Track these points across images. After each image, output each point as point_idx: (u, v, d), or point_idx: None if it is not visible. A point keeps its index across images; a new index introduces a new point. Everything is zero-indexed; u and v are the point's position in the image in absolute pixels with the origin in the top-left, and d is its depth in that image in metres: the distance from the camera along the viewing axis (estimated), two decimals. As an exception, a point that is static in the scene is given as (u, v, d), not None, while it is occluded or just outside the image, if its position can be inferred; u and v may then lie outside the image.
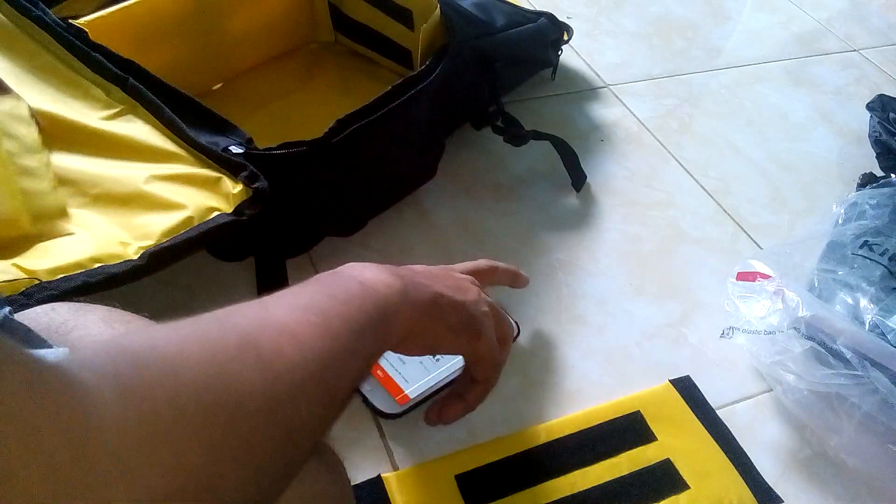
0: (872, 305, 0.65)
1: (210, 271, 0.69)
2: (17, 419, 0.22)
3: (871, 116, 0.96)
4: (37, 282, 0.51)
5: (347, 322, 0.39)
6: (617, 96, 1.01)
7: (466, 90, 0.81)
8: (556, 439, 0.61)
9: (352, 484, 0.57)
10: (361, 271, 0.45)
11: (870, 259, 0.69)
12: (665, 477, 0.59)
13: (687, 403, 0.65)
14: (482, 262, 0.62)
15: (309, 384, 0.34)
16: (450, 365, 0.64)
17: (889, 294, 0.66)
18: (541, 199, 0.83)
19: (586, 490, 0.58)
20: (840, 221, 0.74)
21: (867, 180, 0.86)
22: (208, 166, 0.61)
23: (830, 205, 0.77)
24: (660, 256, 0.79)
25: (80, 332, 0.46)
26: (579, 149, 0.86)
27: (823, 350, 0.62)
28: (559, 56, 0.98)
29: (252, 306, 0.39)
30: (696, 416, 0.64)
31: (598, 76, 1.04)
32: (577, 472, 0.59)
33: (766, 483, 0.61)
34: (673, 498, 0.58)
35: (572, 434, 0.62)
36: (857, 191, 0.82)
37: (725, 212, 0.86)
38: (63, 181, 0.59)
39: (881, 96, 0.99)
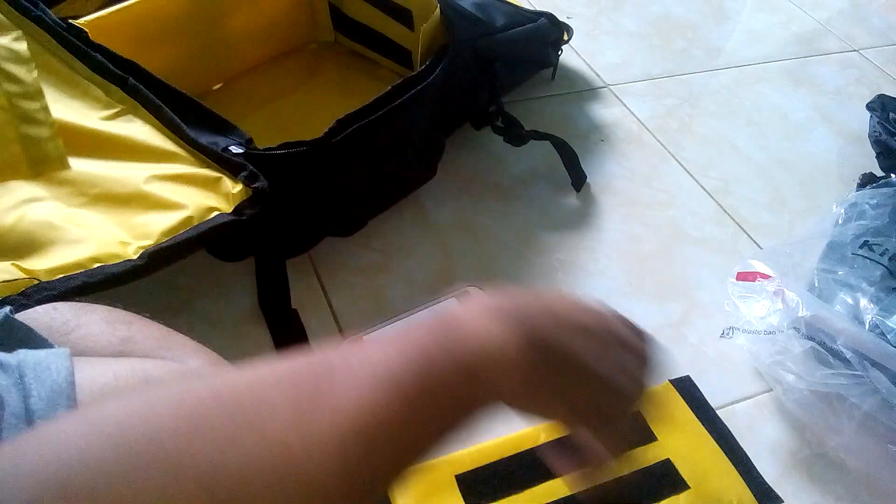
0: (872, 305, 0.65)
1: (210, 271, 0.70)
2: None
3: (870, 116, 0.96)
4: (36, 282, 0.51)
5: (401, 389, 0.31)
6: (617, 96, 1.01)
7: (466, 90, 0.81)
8: (556, 440, 0.61)
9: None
10: (465, 319, 0.35)
11: (870, 259, 0.69)
12: (665, 477, 0.59)
13: (687, 403, 0.65)
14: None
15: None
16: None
17: (889, 294, 0.66)
18: (541, 199, 0.83)
19: (586, 490, 0.58)
20: (840, 221, 0.74)
21: (867, 180, 0.86)
22: (208, 166, 0.61)
23: (830, 205, 0.77)
24: (660, 256, 0.79)
25: (81, 331, 0.46)
26: (579, 149, 0.86)
27: (823, 350, 0.61)
28: (559, 56, 0.98)
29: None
30: (697, 416, 0.64)
31: (598, 76, 1.04)
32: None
33: (766, 483, 0.61)
34: (673, 498, 0.58)
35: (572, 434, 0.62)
36: (857, 191, 0.82)
37: (725, 212, 0.86)
38: (63, 181, 0.59)
39: (881, 96, 0.99)
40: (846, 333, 0.61)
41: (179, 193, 0.59)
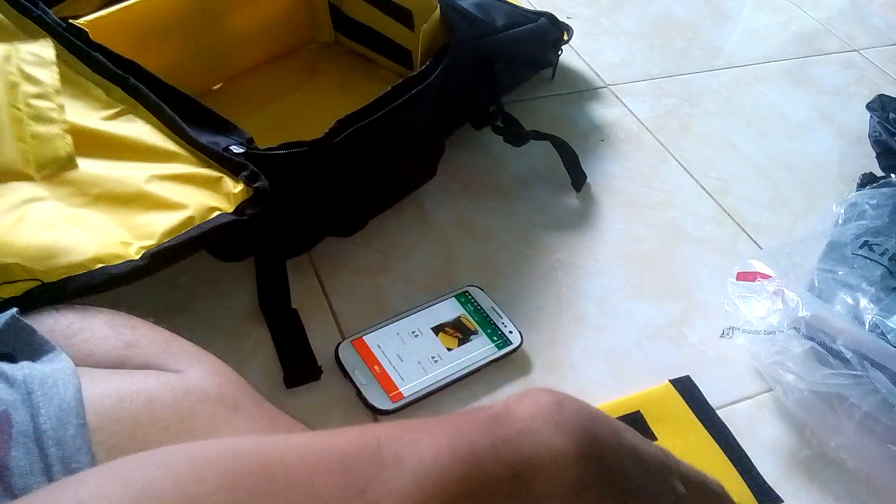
0: (872, 305, 0.65)
1: (210, 271, 0.70)
2: None
3: (870, 116, 0.96)
4: (38, 283, 0.51)
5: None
6: (617, 96, 1.01)
7: (466, 90, 0.81)
8: None
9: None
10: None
11: (870, 259, 0.69)
12: None
13: (687, 404, 0.65)
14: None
15: None
16: (448, 367, 0.64)
17: (889, 294, 0.66)
18: (541, 199, 0.83)
19: None
20: (840, 221, 0.74)
21: (867, 180, 0.86)
22: (209, 166, 0.61)
23: (830, 205, 0.77)
24: (660, 256, 0.79)
25: (85, 335, 0.46)
26: (579, 149, 0.86)
27: (823, 350, 0.62)
28: (559, 56, 0.98)
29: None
30: (697, 416, 0.64)
31: (598, 76, 1.04)
32: None
33: (766, 483, 0.61)
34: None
35: None
36: (857, 191, 0.82)
37: (725, 212, 0.86)
38: (63, 181, 0.59)
39: (881, 96, 0.99)
40: (846, 333, 0.61)
41: (181, 193, 0.59)
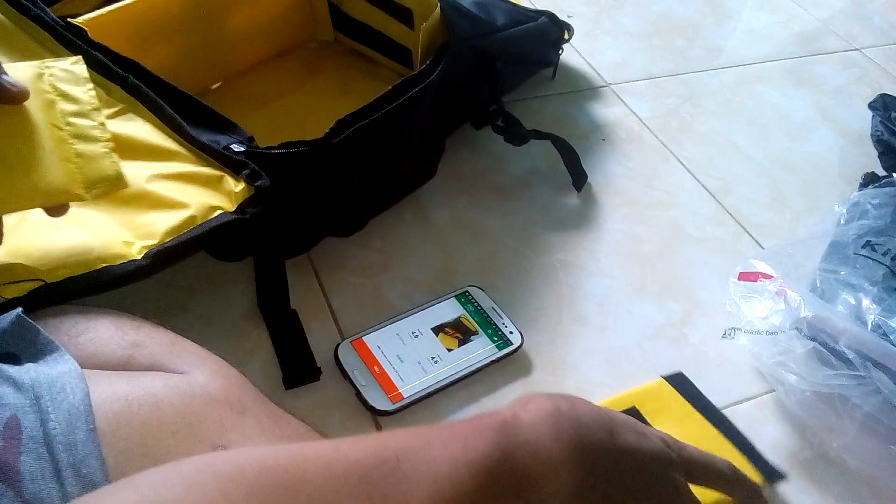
0: (875, 306, 0.65)
1: (209, 271, 0.69)
2: None
3: (872, 116, 0.96)
4: (42, 283, 0.51)
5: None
6: (618, 95, 1.01)
7: (467, 89, 0.81)
8: None
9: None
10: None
11: (872, 259, 0.69)
12: None
13: (682, 395, 0.64)
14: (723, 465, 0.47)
15: None
16: (448, 368, 0.64)
17: (891, 294, 0.66)
18: (541, 199, 0.83)
19: None
20: (842, 221, 0.74)
21: (869, 180, 0.86)
22: (210, 164, 0.61)
23: (832, 204, 0.77)
24: (661, 256, 0.79)
25: (90, 334, 0.46)
26: (580, 148, 0.86)
27: (825, 350, 0.61)
28: (560, 55, 0.98)
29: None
30: (693, 406, 0.64)
31: (599, 75, 1.04)
32: None
33: (770, 462, 0.60)
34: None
35: None
36: (860, 190, 0.82)
37: (727, 211, 0.86)
38: None
39: (883, 95, 0.98)
40: (848, 334, 0.61)
41: (182, 192, 0.59)
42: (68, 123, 0.49)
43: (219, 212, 0.58)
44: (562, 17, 0.96)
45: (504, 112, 0.85)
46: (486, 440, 0.34)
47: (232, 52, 0.85)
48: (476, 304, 0.69)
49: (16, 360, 0.41)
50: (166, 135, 0.62)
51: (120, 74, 0.64)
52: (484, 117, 0.85)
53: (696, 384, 0.66)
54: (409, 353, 0.64)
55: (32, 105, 0.48)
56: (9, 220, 0.55)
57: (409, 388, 0.62)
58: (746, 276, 0.70)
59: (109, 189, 0.50)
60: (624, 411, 0.61)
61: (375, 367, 0.63)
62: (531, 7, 0.99)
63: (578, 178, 0.85)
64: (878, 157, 0.93)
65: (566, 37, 0.97)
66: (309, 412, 0.61)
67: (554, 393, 0.40)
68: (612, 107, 0.99)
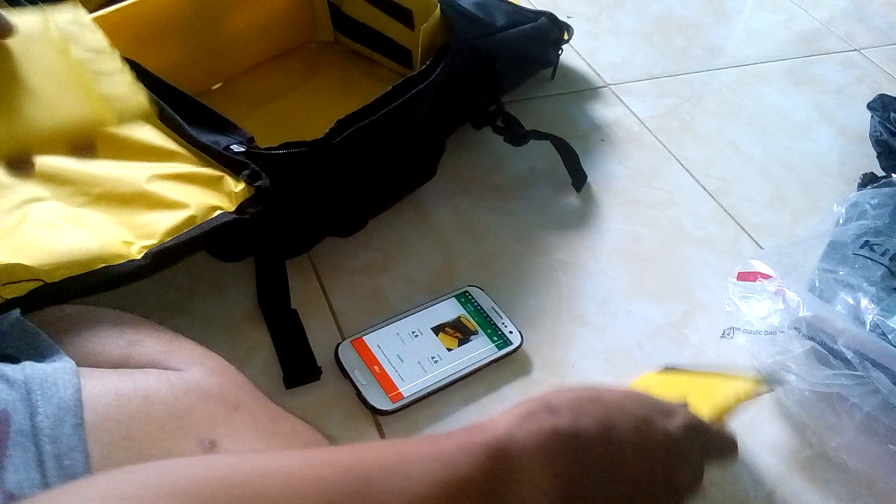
0: (873, 305, 0.65)
1: (210, 271, 0.69)
2: None
3: (872, 116, 0.96)
4: (41, 283, 0.51)
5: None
6: (617, 96, 1.01)
7: (466, 90, 0.81)
8: None
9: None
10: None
11: (871, 259, 0.69)
12: None
13: (666, 373, 0.64)
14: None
15: None
16: (448, 367, 0.64)
17: (890, 294, 0.66)
18: (541, 199, 0.83)
19: None
20: (841, 221, 0.74)
21: (868, 180, 0.86)
22: (210, 165, 0.61)
23: (831, 205, 0.77)
24: (660, 256, 0.79)
25: (88, 334, 0.46)
26: (580, 148, 0.86)
27: (824, 350, 0.61)
28: (559, 55, 0.98)
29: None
30: (677, 372, 0.63)
31: (599, 75, 1.04)
32: None
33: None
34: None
35: None
36: (858, 190, 0.82)
37: (726, 211, 0.86)
38: (65, 181, 0.59)
39: (882, 96, 0.98)
40: (847, 334, 0.61)
41: (182, 192, 0.59)
42: (87, 69, 0.49)
43: (219, 212, 0.58)
44: (562, 17, 0.96)
45: (504, 112, 0.85)
46: (470, 462, 0.33)
47: (232, 53, 0.85)
48: (476, 303, 0.69)
49: (15, 361, 0.41)
50: (166, 135, 0.62)
51: (120, 75, 0.64)
52: (484, 117, 0.85)
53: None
54: (409, 352, 0.64)
55: (46, 50, 0.48)
56: (8, 220, 0.56)
57: (409, 387, 0.62)
58: (745, 276, 0.70)
59: (138, 118, 0.50)
60: None
61: (375, 367, 0.63)
62: (531, 7, 0.99)
63: (578, 179, 0.85)
64: (877, 157, 0.93)
65: (566, 37, 0.97)
66: (309, 412, 0.61)
67: (562, 391, 0.38)
68: (612, 107, 0.99)
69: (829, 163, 0.96)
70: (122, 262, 0.54)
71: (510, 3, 0.93)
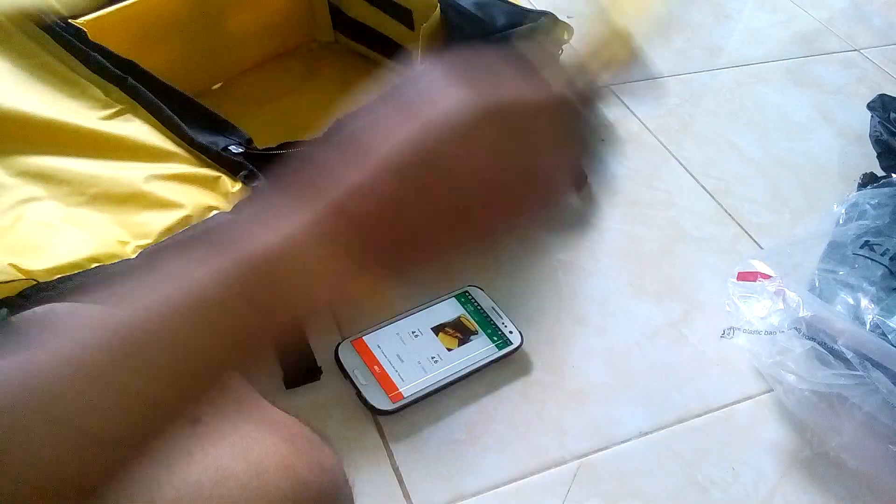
0: (873, 305, 0.65)
1: (210, 271, 0.69)
2: None
3: (871, 116, 0.96)
4: (34, 282, 0.51)
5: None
6: (617, 96, 1.01)
7: (466, 90, 0.81)
8: None
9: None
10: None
11: (871, 259, 0.69)
12: None
13: None
14: None
15: None
16: (448, 367, 0.64)
17: (890, 294, 0.66)
18: (541, 199, 0.83)
19: None
20: (841, 221, 0.74)
21: (868, 180, 0.86)
22: (207, 165, 0.61)
23: (831, 205, 0.77)
24: (660, 256, 0.79)
25: (76, 335, 0.45)
26: (579, 148, 0.86)
27: (824, 350, 0.61)
28: (559, 55, 0.98)
29: None
30: None
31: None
32: None
33: None
34: None
35: None
36: (858, 191, 0.82)
37: (726, 211, 0.86)
38: (61, 181, 0.59)
39: (882, 96, 0.98)
40: (847, 334, 0.61)
41: (178, 192, 0.59)
42: None
43: (215, 212, 0.58)
44: (562, 17, 0.96)
45: (504, 112, 0.85)
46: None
47: (232, 53, 0.85)
48: (476, 303, 0.69)
49: None
50: (164, 136, 0.62)
51: (118, 76, 0.64)
52: (483, 117, 0.85)
53: (692, 382, 0.67)
54: (409, 352, 0.64)
55: None
56: (4, 219, 0.56)
57: (410, 387, 0.62)
58: (745, 276, 0.70)
59: None
60: None
61: (376, 367, 0.63)
62: (531, 7, 0.99)
63: (578, 179, 0.85)
64: (877, 157, 0.93)
65: (566, 37, 0.97)
66: (309, 411, 0.61)
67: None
68: (612, 107, 0.99)
69: (829, 163, 0.96)
70: (116, 261, 0.54)
71: (510, 3, 0.93)
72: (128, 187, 0.59)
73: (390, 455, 0.59)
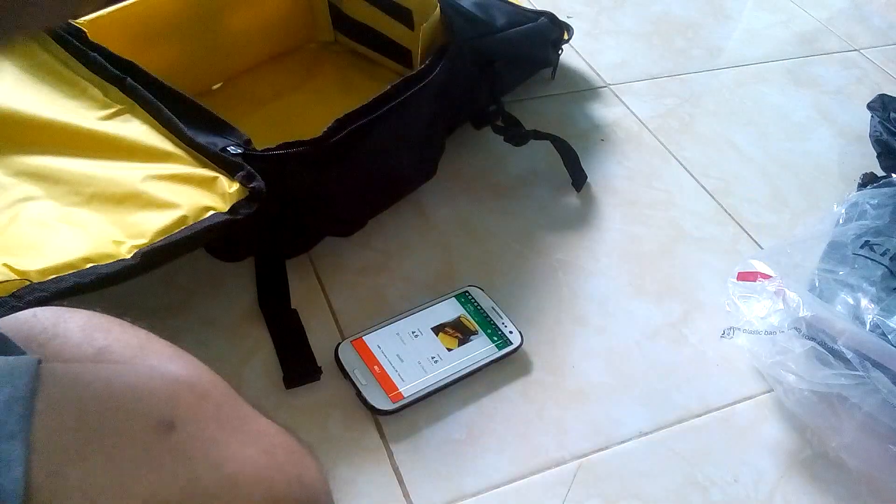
0: (873, 305, 0.65)
1: (209, 271, 0.69)
2: None
3: (871, 116, 0.96)
4: (27, 283, 0.51)
5: None
6: (617, 96, 1.01)
7: (466, 90, 0.81)
8: None
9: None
10: None
11: (871, 259, 0.69)
12: None
13: None
14: None
15: None
16: (448, 367, 0.64)
17: (890, 294, 0.66)
18: (541, 199, 0.83)
19: None
20: (841, 221, 0.74)
21: (868, 180, 0.86)
22: (205, 166, 0.61)
23: (831, 205, 0.77)
24: (660, 256, 0.79)
25: (59, 341, 0.44)
26: (579, 148, 0.86)
27: (824, 350, 0.61)
28: (559, 55, 0.98)
29: None
30: None
31: (599, 76, 1.04)
32: None
33: None
34: None
35: None
36: (858, 190, 0.82)
37: (726, 211, 0.86)
38: (59, 180, 0.59)
39: (882, 96, 0.98)
40: (847, 334, 0.61)
41: (175, 193, 0.59)
42: None
43: (211, 212, 0.58)
44: (562, 17, 0.96)
45: (504, 112, 0.85)
46: None
47: (232, 53, 0.85)
48: (476, 303, 0.69)
49: None
50: (163, 136, 0.62)
51: (117, 76, 0.64)
52: (484, 117, 0.85)
53: (692, 382, 0.67)
54: (409, 352, 0.64)
55: None
56: (0, 218, 0.55)
57: (410, 387, 0.62)
58: (745, 276, 0.70)
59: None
60: None
61: (376, 367, 0.63)
62: (531, 7, 0.99)
63: (578, 179, 0.85)
64: (877, 157, 0.93)
65: (566, 37, 0.97)
66: (309, 412, 0.61)
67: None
68: (612, 107, 0.99)
69: (829, 163, 0.96)
70: (110, 261, 0.54)
71: (510, 3, 0.93)
72: (125, 187, 0.59)
73: (390, 455, 0.59)
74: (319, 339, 0.65)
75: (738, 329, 0.68)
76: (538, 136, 0.84)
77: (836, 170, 0.95)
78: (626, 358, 0.69)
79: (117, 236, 0.56)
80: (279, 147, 0.62)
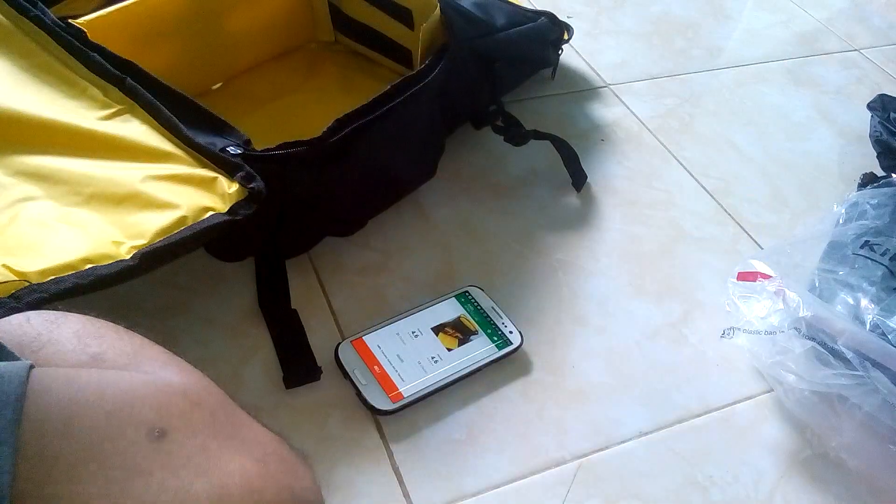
0: (873, 305, 0.65)
1: (209, 271, 0.69)
2: None
3: (871, 116, 0.96)
4: (27, 284, 0.51)
5: None
6: (617, 96, 1.01)
7: (466, 90, 0.81)
8: None
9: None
10: None
11: (871, 259, 0.69)
12: None
13: None
14: None
15: None
16: (448, 367, 0.64)
17: (890, 294, 0.66)
18: (541, 199, 0.83)
19: None
20: (841, 221, 0.74)
21: (868, 180, 0.86)
22: (205, 166, 0.61)
23: (831, 205, 0.77)
24: (660, 256, 0.79)
25: (52, 347, 0.44)
26: (579, 148, 0.86)
27: (824, 350, 0.61)
28: (559, 55, 0.98)
29: None
30: None
31: (599, 76, 1.04)
32: None
33: None
34: None
35: None
36: (858, 190, 0.82)
37: (726, 211, 0.86)
38: (58, 180, 0.59)
39: (882, 96, 0.98)
40: (847, 334, 0.61)
41: (174, 193, 0.59)
42: None
43: (210, 213, 0.58)
44: (562, 17, 0.96)
45: (504, 112, 0.85)
46: None
47: (232, 53, 0.85)
48: (476, 303, 0.69)
49: None
50: (162, 136, 0.62)
51: (117, 76, 0.64)
52: (484, 117, 0.85)
53: (692, 382, 0.67)
54: (409, 352, 0.64)
55: None
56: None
57: (410, 387, 0.62)
58: (745, 276, 0.70)
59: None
60: None
61: (376, 367, 0.63)
62: (531, 7, 0.99)
63: (578, 179, 0.85)
64: (877, 157, 0.93)
65: (566, 37, 0.97)
66: (309, 412, 0.61)
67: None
68: (612, 107, 0.99)
69: (829, 163, 0.96)
70: (109, 262, 0.54)
71: (510, 3, 0.93)
72: (124, 187, 0.58)
73: (390, 455, 0.59)
74: (319, 339, 0.65)
75: (738, 329, 0.68)
76: (538, 136, 0.84)
77: (836, 170, 0.95)
78: (626, 358, 0.69)
79: (117, 237, 0.56)
80: (279, 147, 0.62)
